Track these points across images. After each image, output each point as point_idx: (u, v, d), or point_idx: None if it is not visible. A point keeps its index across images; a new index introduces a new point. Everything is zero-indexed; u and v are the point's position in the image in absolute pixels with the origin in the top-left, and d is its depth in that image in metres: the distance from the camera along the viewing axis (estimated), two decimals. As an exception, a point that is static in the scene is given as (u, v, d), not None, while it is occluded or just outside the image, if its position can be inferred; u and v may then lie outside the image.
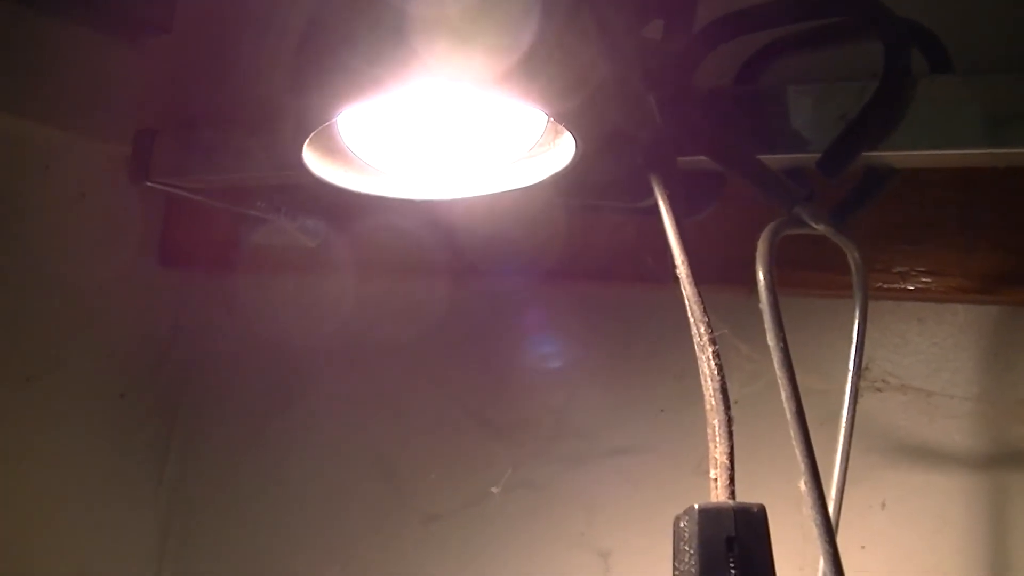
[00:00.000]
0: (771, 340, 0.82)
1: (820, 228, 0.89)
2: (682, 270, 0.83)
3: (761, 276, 0.84)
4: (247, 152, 1.35)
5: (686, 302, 0.82)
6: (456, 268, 1.34)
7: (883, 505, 1.08)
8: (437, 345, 1.41)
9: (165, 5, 1.51)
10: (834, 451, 0.93)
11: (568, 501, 1.28)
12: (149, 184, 1.41)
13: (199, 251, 1.64)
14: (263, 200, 1.37)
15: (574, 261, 1.24)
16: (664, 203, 0.85)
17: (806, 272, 1.05)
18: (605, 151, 0.84)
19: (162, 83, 1.58)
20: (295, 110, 0.80)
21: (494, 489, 1.32)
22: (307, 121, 0.79)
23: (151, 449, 1.68)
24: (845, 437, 0.93)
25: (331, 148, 0.86)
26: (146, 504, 1.67)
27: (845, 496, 0.93)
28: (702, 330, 0.81)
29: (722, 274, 1.01)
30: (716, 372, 0.80)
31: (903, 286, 1.06)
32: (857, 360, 0.94)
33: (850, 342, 0.94)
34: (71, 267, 1.52)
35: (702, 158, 0.94)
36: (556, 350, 1.31)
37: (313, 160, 0.85)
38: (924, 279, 1.04)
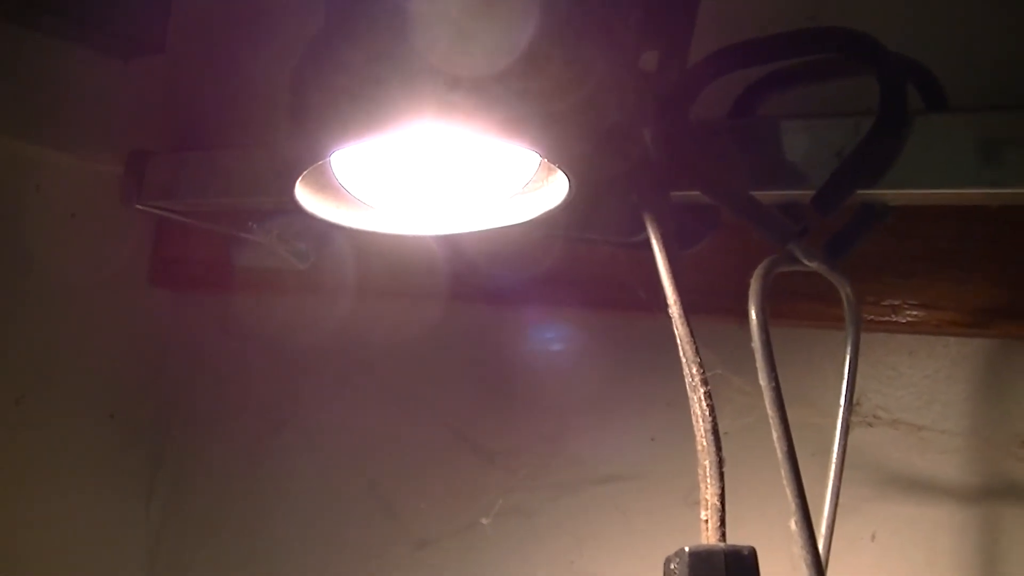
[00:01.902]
0: (763, 380, 0.82)
1: (813, 265, 0.89)
2: (675, 310, 0.83)
3: (753, 315, 0.83)
4: (239, 176, 1.35)
5: (678, 341, 0.82)
6: (449, 294, 1.34)
7: (873, 537, 1.08)
8: (430, 370, 1.41)
9: (158, 25, 1.51)
10: (825, 484, 0.92)
11: (558, 529, 1.28)
12: (140, 207, 1.40)
13: (189, 271, 1.64)
14: (255, 223, 1.37)
15: (568, 290, 1.24)
16: (658, 243, 0.85)
17: (797, 303, 1.05)
18: (599, 188, 0.84)
19: (154, 103, 1.58)
20: (288, 149, 0.80)
21: (484, 520, 1.32)
22: (300, 160, 0.79)
23: (141, 470, 1.68)
24: (836, 472, 0.93)
25: (323, 184, 0.86)
26: (136, 525, 1.67)
27: (835, 527, 0.92)
28: (694, 371, 0.81)
29: (713, 304, 1.01)
30: (708, 413, 0.80)
31: (894, 319, 1.05)
32: (848, 395, 0.94)
33: (841, 374, 0.94)
34: (61, 287, 1.52)
35: (696, 192, 0.93)
36: (549, 377, 1.30)
37: (306, 196, 0.84)
38: (916, 312, 1.04)
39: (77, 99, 1.50)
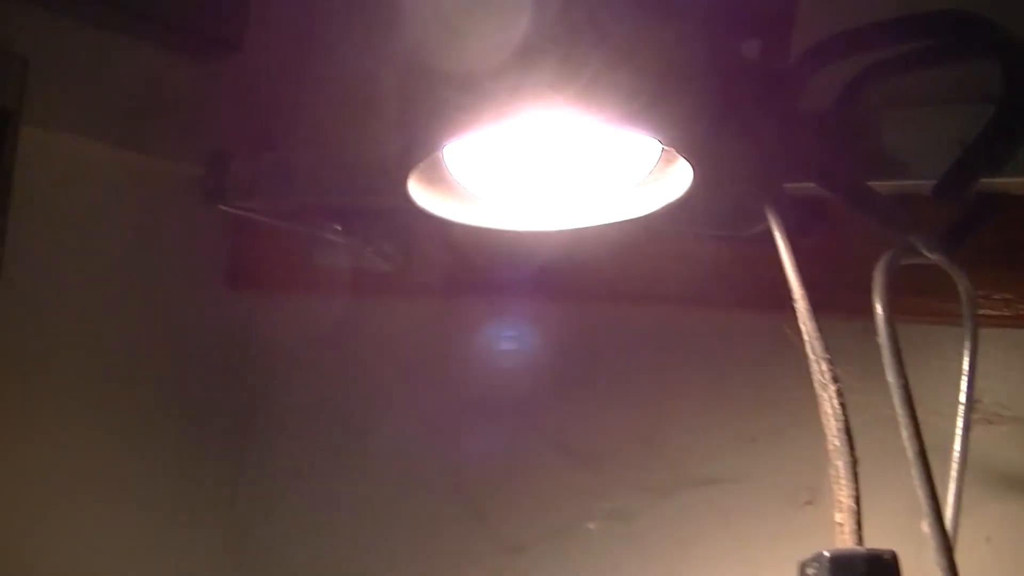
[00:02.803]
0: (891, 377, 0.80)
1: (934, 257, 0.86)
2: (800, 304, 0.80)
3: (879, 309, 0.81)
4: (319, 175, 1.34)
5: (804, 338, 0.80)
6: (539, 292, 1.32)
7: (988, 539, 1.05)
8: (520, 371, 1.39)
9: (236, 25, 1.50)
10: (942, 485, 0.89)
11: (658, 533, 1.26)
12: (223, 208, 1.39)
13: (269, 273, 1.63)
14: (341, 223, 1.36)
15: (667, 286, 1.22)
16: (781, 237, 0.82)
17: (902, 297, 1.02)
18: (718, 180, 0.81)
19: (232, 103, 1.57)
20: (400, 143, 0.78)
21: (590, 525, 1.29)
22: (411, 154, 0.77)
23: (223, 473, 1.67)
24: (959, 472, 0.91)
25: (434, 177, 0.84)
26: (218, 528, 1.67)
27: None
28: (823, 367, 0.78)
29: (820, 298, 0.98)
30: (839, 411, 0.77)
31: (1007, 313, 1.02)
32: (968, 393, 0.91)
33: (951, 371, 0.92)
34: (142, 290, 1.52)
35: (809, 185, 0.91)
36: (645, 377, 1.28)
37: (416, 190, 0.82)
38: (1029, 306, 1.01)
39: (156, 100, 1.49)
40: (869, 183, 0.89)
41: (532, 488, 1.37)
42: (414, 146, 0.77)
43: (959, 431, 0.90)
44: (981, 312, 1.00)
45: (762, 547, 1.18)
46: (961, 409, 0.91)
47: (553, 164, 0.83)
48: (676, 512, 1.24)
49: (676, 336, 1.26)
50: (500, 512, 1.39)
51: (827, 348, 0.79)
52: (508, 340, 1.39)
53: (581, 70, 0.70)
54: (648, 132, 0.72)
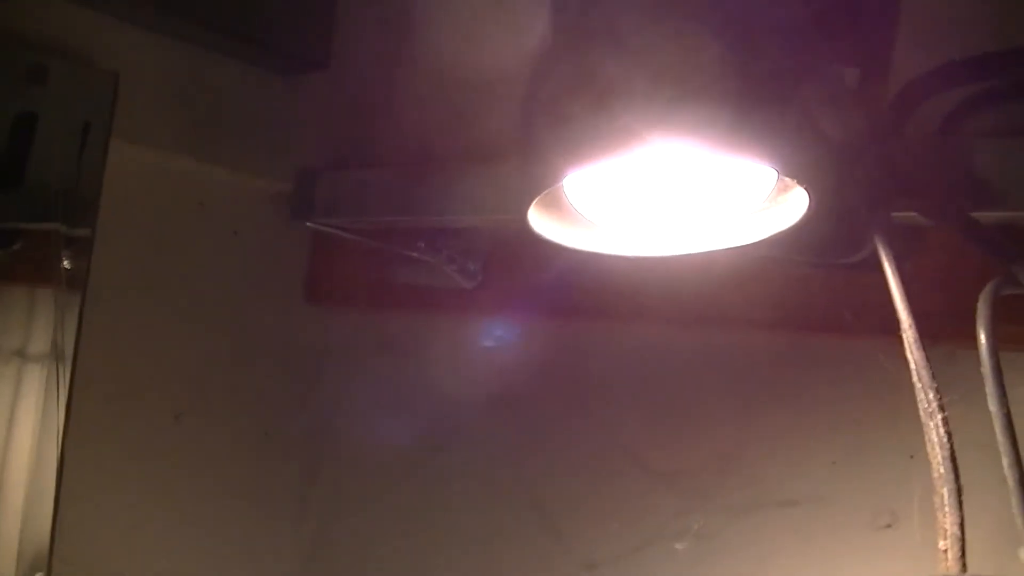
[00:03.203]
0: (993, 406, 0.81)
1: (1036, 289, 0.87)
2: (909, 334, 0.81)
3: (983, 339, 0.83)
4: (407, 194, 1.35)
5: (912, 367, 0.81)
6: (623, 313, 1.33)
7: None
8: (600, 390, 1.40)
9: (321, 42, 1.52)
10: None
11: (736, 552, 1.26)
12: (310, 224, 1.41)
13: (346, 289, 1.64)
14: (424, 240, 1.37)
15: (752, 310, 1.22)
16: (890, 265, 0.84)
17: (1005, 327, 1.03)
18: (830, 208, 0.82)
19: (316, 119, 1.59)
20: (522, 172, 0.80)
21: (678, 546, 1.30)
22: (534, 184, 0.79)
23: (295, 488, 1.69)
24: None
25: (550, 205, 0.85)
26: (287, 544, 1.68)
27: None
28: (931, 396, 0.79)
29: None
30: (945, 440, 0.78)
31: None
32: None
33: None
34: (222, 303, 1.54)
35: (913, 213, 0.92)
36: (726, 397, 1.29)
37: (535, 217, 0.84)
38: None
39: (241, 116, 1.51)
40: (972, 213, 0.90)
41: (608, 505, 1.37)
42: (535, 176, 0.78)
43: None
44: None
45: (841, 569, 1.18)
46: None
47: (669, 192, 0.84)
48: (754, 532, 1.25)
49: (759, 358, 1.27)
50: (575, 529, 1.40)
51: (934, 377, 0.79)
52: (587, 358, 1.40)
53: (709, 100, 0.72)
54: (766, 162, 0.73)
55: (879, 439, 1.15)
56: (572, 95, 0.75)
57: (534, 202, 0.83)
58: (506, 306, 1.44)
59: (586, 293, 1.34)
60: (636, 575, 1.34)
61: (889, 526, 1.14)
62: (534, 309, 1.42)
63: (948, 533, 0.77)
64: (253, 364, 1.61)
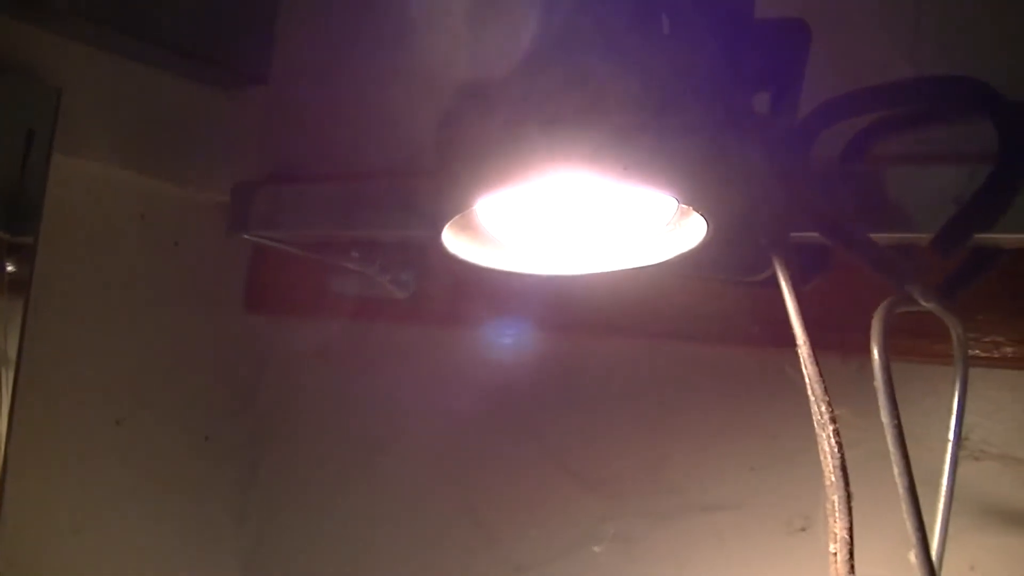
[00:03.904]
0: (885, 418, 0.84)
1: (930, 306, 0.91)
2: (803, 350, 0.85)
3: (876, 355, 0.86)
4: (339, 206, 1.38)
5: (806, 380, 0.84)
6: (550, 325, 1.36)
7: (972, 568, 1.09)
8: (529, 399, 1.43)
9: (262, 56, 1.54)
10: (930, 516, 0.93)
11: (659, 556, 1.30)
12: (247, 236, 1.43)
13: (284, 298, 1.67)
14: (358, 252, 1.40)
15: (671, 323, 1.26)
16: (786, 284, 0.87)
17: (900, 339, 1.07)
18: (730, 230, 0.86)
19: (257, 133, 1.61)
20: (435, 195, 0.83)
21: (596, 548, 1.33)
22: (447, 208, 0.82)
23: (235, 491, 1.71)
24: (945, 505, 0.95)
25: (464, 225, 0.88)
26: (229, 546, 1.71)
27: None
28: (823, 408, 0.83)
29: (813, 338, 1.03)
30: (836, 449, 0.82)
31: (996, 355, 1.07)
32: (957, 431, 0.95)
33: (943, 408, 0.96)
34: (162, 312, 1.56)
35: (814, 234, 0.95)
36: (650, 407, 1.32)
37: (448, 237, 0.87)
38: (1017, 348, 1.06)
39: (182, 130, 1.54)
40: (871, 235, 0.93)
41: (537, 510, 1.40)
42: (449, 198, 0.81)
43: (947, 466, 0.95)
44: (972, 353, 1.05)
45: (757, 571, 1.22)
46: (949, 447, 0.95)
47: (577, 214, 0.88)
48: (676, 536, 1.29)
49: (682, 370, 1.30)
50: (505, 532, 1.43)
51: (827, 391, 0.83)
52: (518, 369, 1.43)
53: (612, 131, 0.75)
54: (664, 191, 0.77)
55: (794, 448, 1.19)
56: (480, 126, 0.79)
57: (453, 225, 0.86)
58: (438, 315, 1.47)
59: (513, 307, 1.37)
60: (562, 578, 1.37)
61: (803, 529, 1.18)
62: (464, 320, 1.45)
63: (838, 537, 0.81)
64: (194, 371, 1.63)
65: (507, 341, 1.44)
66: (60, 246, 1.41)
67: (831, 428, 0.82)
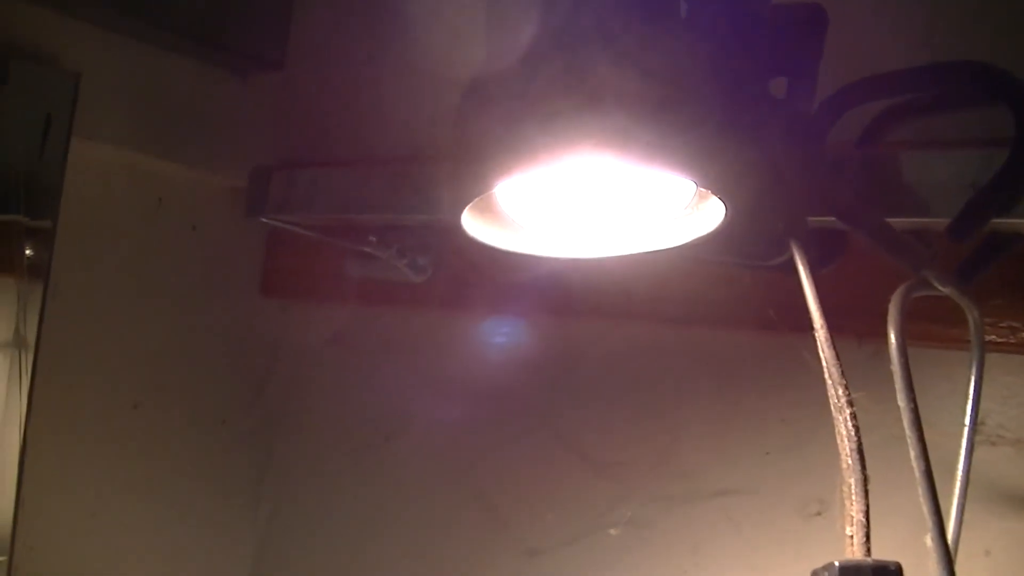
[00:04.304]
0: (901, 401, 0.84)
1: (946, 291, 0.91)
2: (821, 333, 0.85)
3: (893, 339, 0.86)
4: (356, 191, 1.38)
5: (824, 364, 0.84)
6: (564, 310, 1.37)
7: (987, 553, 1.09)
8: (543, 383, 1.44)
9: (277, 43, 1.55)
10: (946, 501, 0.94)
11: (672, 540, 1.30)
12: (264, 220, 1.44)
13: (300, 282, 1.68)
14: (375, 236, 1.40)
15: (685, 308, 1.26)
16: (804, 269, 0.87)
17: (915, 324, 1.07)
18: (748, 215, 0.86)
19: (272, 118, 1.61)
20: (455, 177, 0.83)
21: (612, 531, 1.34)
22: (467, 189, 0.82)
23: (250, 474, 1.72)
24: (961, 490, 0.95)
25: (482, 208, 0.89)
26: (244, 528, 1.71)
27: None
28: (839, 392, 0.83)
29: (829, 323, 1.03)
30: (853, 433, 0.82)
31: (1012, 340, 1.07)
32: (973, 416, 0.95)
33: (958, 393, 0.96)
34: (179, 296, 1.58)
35: (831, 218, 0.96)
36: (663, 391, 1.32)
37: (467, 220, 0.87)
38: (1033, 333, 1.06)
39: (199, 115, 1.54)
40: (888, 220, 0.93)
41: (551, 494, 1.41)
42: (471, 180, 0.81)
43: (963, 451, 0.95)
44: (988, 339, 1.05)
45: (772, 555, 1.22)
46: (965, 431, 0.95)
47: (596, 197, 0.88)
48: (690, 521, 1.29)
49: (696, 354, 1.30)
50: (519, 517, 1.44)
51: (844, 374, 0.83)
52: (532, 354, 1.43)
53: (637, 113, 0.75)
54: (684, 174, 0.77)
55: (809, 432, 1.19)
56: (502, 108, 0.79)
57: (472, 208, 0.87)
58: (455, 300, 1.48)
59: (527, 293, 1.37)
60: (576, 562, 1.38)
61: (819, 514, 1.18)
62: (480, 305, 1.45)
63: (854, 520, 0.81)
64: (210, 354, 1.64)
65: (520, 327, 1.44)
66: (78, 230, 1.42)
67: (848, 411, 0.82)
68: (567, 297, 1.35)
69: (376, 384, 1.60)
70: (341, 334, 1.65)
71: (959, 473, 0.95)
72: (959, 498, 0.95)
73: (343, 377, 1.65)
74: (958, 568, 0.98)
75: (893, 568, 0.78)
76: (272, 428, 1.72)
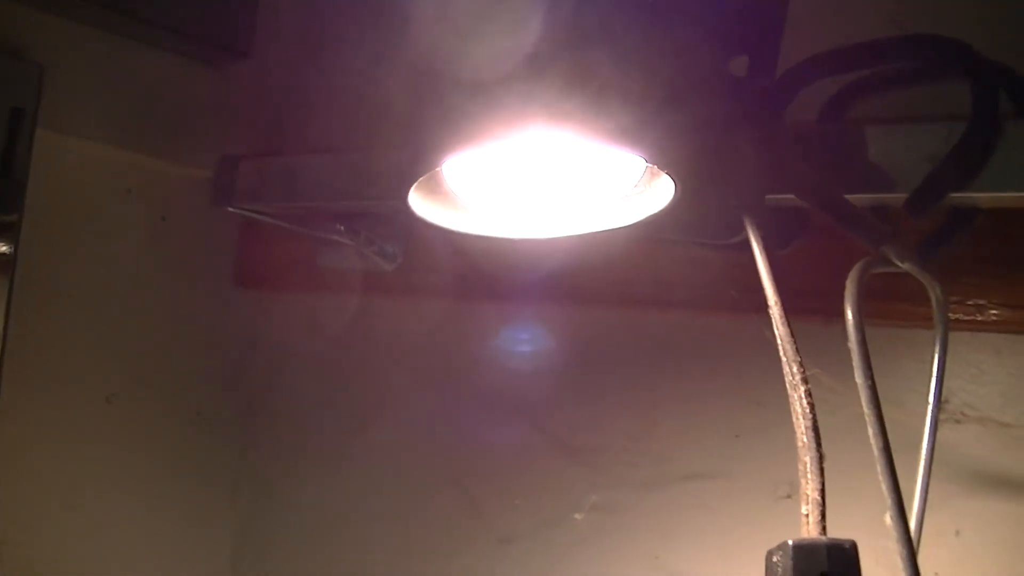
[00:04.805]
0: (859, 378, 0.84)
1: (905, 267, 0.91)
2: (775, 311, 0.84)
3: (850, 315, 0.85)
4: (325, 179, 1.38)
5: (778, 341, 0.84)
6: (534, 296, 1.36)
7: (957, 533, 1.09)
8: (515, 368, 1.43)
9: (246, 31, 1.54)
10: (911, 480, 0.94)
11: (644, 525, 1.30)
12: (231, 209, 1.43)
13: (274, 272, 1.67)
14: (343, 224, 1.40)
15: (654, 290, 1.26)
16: (759, 247, 0.87)
17: (882, 302, 1.06)
18: (700, 192, 0.86)
19: (241, 107, 1.61)
20: (403, 156, 0.83)
21: (577, 515, 1.33)
22: (414, 168, 0.82)
23: (227, 465, 1.71)
24: (925, 469, 0.94)
25: (433, 189, 0.88)
26: (222, 519, 1.71)
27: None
28: (794, 369, 0.83)
29: (797, 303, 1.02)
30: (808, 411, 0.82)
31: (979, 318, 1.06)
32: (937, 394, 0.95)
33: (926, 372, 0.95)
34: (151, 287, 1.56)
35: (790, 196, 0.95)
36: (634, 375, 1.32)
37: (417, 201, 0.87)
38: (1001, 311, 1.05)
39: (167, 104, 1.54)
40: (847, 195, 0.93)
41: (524, 481, 1.41)
42: (417, 159, 0.81)
43: (927, 429, 0.94)
44: (955, 316, 1.05)
45: (742, 538, 1.22)
46: (929, 408, 0.95)
47: (545, 176, 0.87)
48: (661, 505, 1.29)
49: (664, 337, 1.30)
50: (492, 504, 1.44)
51: (798, 351, 0.83)
52: (503, 339, 1.43)
53: (580, 88, 0.75)
54: (632, 150, 0.76)
55: (779, 414, 1.17)
56: (452, 83, 0.78)
57: (421, 187, 0.86)
58: (427, 288, 1.47)
59: (495, 276, 1.37)
60: (549, 548, 1.37)
61: (789, 496, 1.18)
62: (454, 291, 1.45)
63: (810, 499, 0.81)
64: (184, 346, 1.64)
65: (491, 312, 1.43)
66: (46, 223, 1.41)
67: (803, 388, 0.82)
68: (537, 283, 1.34)
69: (350, 372, 1.60)
70: (315, 323, 1.65)
71: (923, 450, 0.94)
72: (923, 477, 0.94)
73: (318, 366, 1.65)
74: (929, 548, 0.98)
75: (848, 546, 0.77)
76: (248, 418, 1.72)
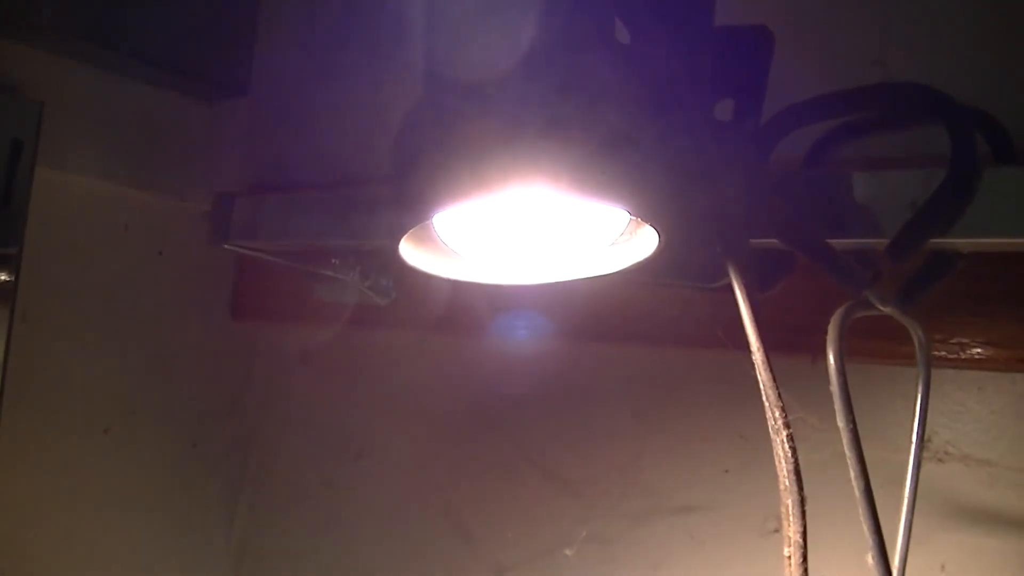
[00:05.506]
0: (841, 421, 0.85)
1: (887, 310, 0.92)
2: (758, 356, 0.86)
3: (832, 359, 0.87)
4: (319, 216, 1.39)
5: (761, 387, 0.85)
6: (527, 330, 1.38)
7: (943, 567, 1.10)
8: (507, 402, 1.44)
9: (242, 69, 1.56)
10: (895, 517, 0.95)
11: (634, 557, 1.31)
12: (228, 247, 1.45)
13: (270, 306, 1.69)
14: (338, 259, 1.41)
15: (645, 327, 1.27)
16: (741, 293, 0.88)
17: (868, 341, 1.08)
18: (684, 240, 0.87)
19: (237, 144, 1.62)
20: (394, 208, 0.84)
21: (567, 551, 1.34)
22: (405, 220, 0.83)
23: (222, 496, 1.72)
24: (908, 506, 0.96)
25: (423, 237, 0.89)
26: (217, 550, 1.72)
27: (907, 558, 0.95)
28: (777, 415, 0.84)
29: (785, 340, 1.04)
30: (790, 455, 0.83)
31: (963, 356, 1.08)
32: (920, 434, 0.96)
33: (910, 409, 0.97)
34: (147, 321, 1.58)
35: (773, 240, 0.96)
36: (625, 409, 1.33)
37: (407, 249, 0.88)
38: (983, 349, 1.06)
39: (164, 142, 1.56)
40: (829, 240, 0.94)
41: (517, 512, 1.42)
42: (407, 211, 0.82)
43: (910, 467, 0.96)
44: (938, 354, 1.06)
45: (732, 572, 1.23)
46: (912, 447, 0.96)
47: (532, 225, 0.88)
48: (650, 537, 1.30)
49: (657, 373, 1.31)
50: (485, 535, 1.45)
51: (780, 397, 0.84)
52: (498, 373, 1.44)
53: (557, 145, 0.76)
54: (615, 204, 0.78)
55: (767, 449, 1.19)
56: (437, 141, 0.80)
57: (411, 236, 0.87)
58: (420, 321, 1.48)
59: (491, 314, 1.39)
60: (541, 579, 1.38)
61: (776, 531, 1.19)
62: (445, 326, 1.46)
63: (792, 541, 0.82)
64: (180, 378, 1.65)
65: (485, 347, 1.45)
66: (45, 256, 1.43)
67: (785, 433, 0.83)
68: (531, 319, 1.36)
69: (345, 404, 1.62)
70: (310, 356, 1.66)
71: (907, 489, 0.96)
72: (907, 514, 0.96)
73: (313, 398, 1.66)
74: (915, 581, 1.00)
75: (828, 589, 0.79)
76: (244, 450, 1.73)
